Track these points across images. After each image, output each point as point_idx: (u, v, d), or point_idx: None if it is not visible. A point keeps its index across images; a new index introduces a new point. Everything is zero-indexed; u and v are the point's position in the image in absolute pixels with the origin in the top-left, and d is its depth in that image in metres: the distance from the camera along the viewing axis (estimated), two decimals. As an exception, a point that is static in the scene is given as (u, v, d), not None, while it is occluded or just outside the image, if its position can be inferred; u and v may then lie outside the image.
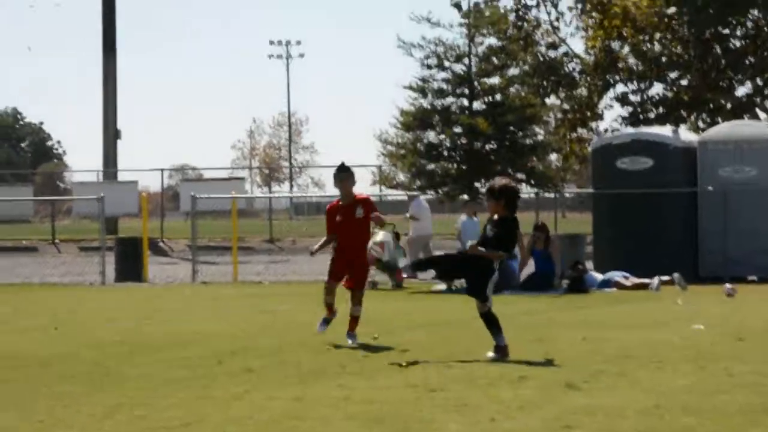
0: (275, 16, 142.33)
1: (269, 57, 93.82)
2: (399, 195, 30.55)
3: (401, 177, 25.20)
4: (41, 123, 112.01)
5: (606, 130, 29.74)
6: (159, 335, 14.52)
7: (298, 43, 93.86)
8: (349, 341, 13.11)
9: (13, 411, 9.12)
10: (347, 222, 13.18)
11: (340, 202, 13.36)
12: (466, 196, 24.84)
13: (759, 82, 41.28)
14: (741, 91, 41.75)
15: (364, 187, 33.19)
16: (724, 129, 26.15)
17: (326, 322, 13.60)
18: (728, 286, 20.11)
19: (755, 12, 40.53)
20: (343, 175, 13.29)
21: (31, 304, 20.39)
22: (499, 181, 11.85)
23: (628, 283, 22.20)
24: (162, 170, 52.49)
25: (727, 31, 40.86)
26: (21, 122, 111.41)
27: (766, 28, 40.79)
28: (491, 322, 11.75)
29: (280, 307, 18.84)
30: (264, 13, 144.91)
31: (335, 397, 9.43)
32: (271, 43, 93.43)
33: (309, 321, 15.78)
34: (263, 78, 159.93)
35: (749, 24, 41.06)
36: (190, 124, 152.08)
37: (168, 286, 25.75)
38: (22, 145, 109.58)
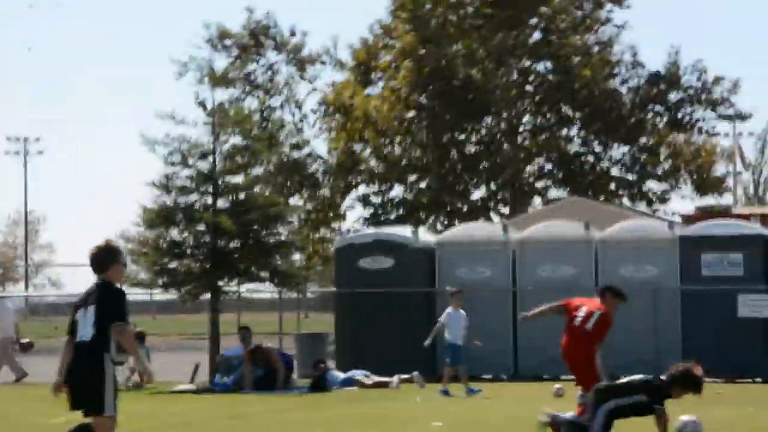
0: (12, 113, 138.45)
1: (6, 153, 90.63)
2: (140, 294, 30.06)
3: (143, 275, 24.79)
4: None
5: (348, 231, 30.28)
6: None
7: (37, 140, 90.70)
8: None
9: None
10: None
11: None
12: (208, 295, 24.69)
13: (492, 186, 43.00)
14: (476, 194, 43.39)
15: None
16: (460, 231, 27.06)
17: None
18: (557, 386, 19.74)
19: (488, 120, 42.36)
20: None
21: None
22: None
23: (369, 381, 22.47)
24: None
25: (463, 136, 42.50)
26: None
27: (498, 136, 42.66)
28: None
29: (10, 410, 18.12)
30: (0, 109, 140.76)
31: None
32: (8, 139, 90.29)
33: (41, 423, 15.32)
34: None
35: (483, 131, 42.86)
36: None
37: None
38: None
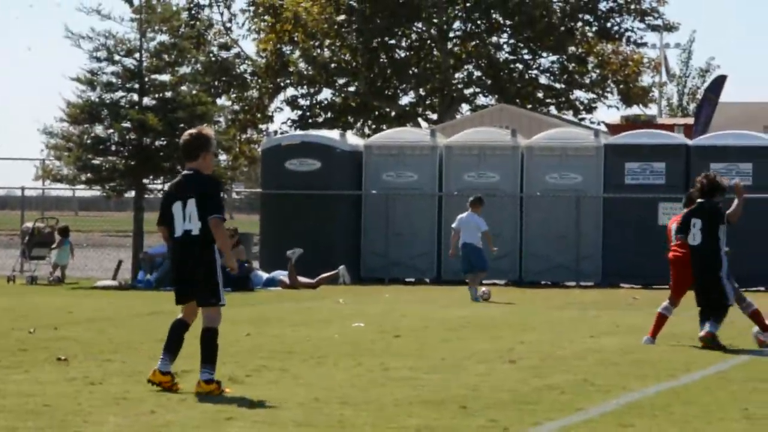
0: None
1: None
2: (63, 189, 29.74)
3: (66, 171, 24.57)
4: None
5: (276, 132, 30.12)
6: None
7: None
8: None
9: None
10: None
11: None
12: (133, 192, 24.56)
13: (421, 92, 42.93)
14: (405, 99, 43.32)
15: (26, 181, 32.16)
16: (388, 135, 27.05)
17: None
18: (483, 289, 20.02)
19: (419, 25, 42.15)
20: None
21: None
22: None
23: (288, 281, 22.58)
24: None
25: (393, 41, 42.28)
26: None
27: (428, 41, 42.49)
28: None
29: None
30: None
31: (-13, 391, 9.12)
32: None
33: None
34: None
35: (413, 36, 42.66)
36: None
37: None
38: None
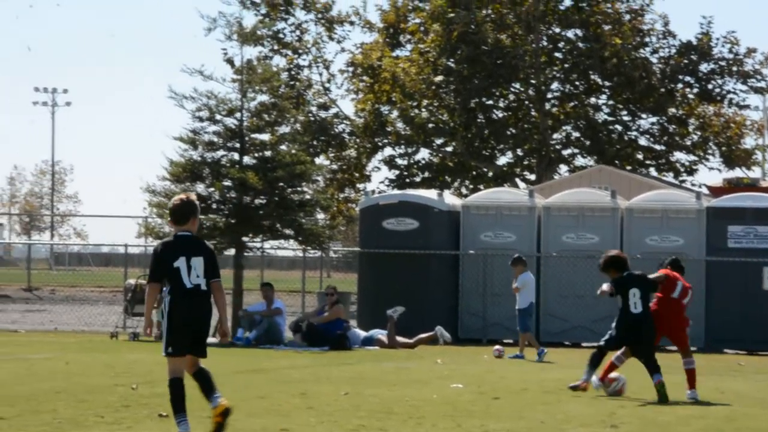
0: (41, 63, 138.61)
1: (34, 104, 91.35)
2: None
3: (167, 229, 24.88)
4: None
5: (373, 192, 30.24)
6: None
7: (65, 91, 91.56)
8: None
9: None
10: None
11: None
12: (233, 251, 24.79)
13: (519, 152, 42.83)
14: (502, 160, 43.25)
15: (129, 238, 32.72)
16: (486, 195, 27.00)
17: None
18: (497, 347, 20.93)
19: (516, 85, 42.15)
20: None
21: None
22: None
23: (385, 340, 22.56)
24: None
25: (490, 102, 42.31)
26: None
27: (526, 102, 42.45)
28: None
29: (36, 355, 18.28)
30: (29, 60, 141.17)
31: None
32: (36, 90, 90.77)
33: (66, 370, 15.46)
34: (27, 125, 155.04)
35: (511, 96, 42.66)
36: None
37: None
38: None
